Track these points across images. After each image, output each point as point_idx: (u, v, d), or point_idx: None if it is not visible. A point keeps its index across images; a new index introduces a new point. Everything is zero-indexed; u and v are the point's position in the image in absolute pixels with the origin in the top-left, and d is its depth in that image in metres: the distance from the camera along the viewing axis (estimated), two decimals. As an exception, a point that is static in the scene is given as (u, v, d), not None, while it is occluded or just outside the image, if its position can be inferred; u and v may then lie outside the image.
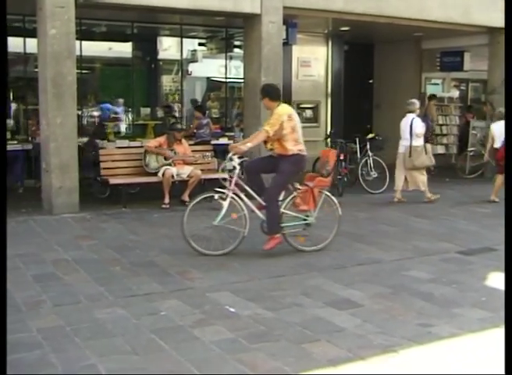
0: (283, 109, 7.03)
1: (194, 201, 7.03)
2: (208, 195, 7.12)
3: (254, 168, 7.25)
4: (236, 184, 6.99)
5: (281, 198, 7.06)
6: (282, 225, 7.12)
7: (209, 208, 7.26)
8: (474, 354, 4.45)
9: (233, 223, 6.95)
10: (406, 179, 10.76)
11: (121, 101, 13.83)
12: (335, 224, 7.47)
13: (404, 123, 10.65)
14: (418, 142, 10.56)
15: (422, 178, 10.71)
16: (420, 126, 10.53)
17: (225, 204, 6.89)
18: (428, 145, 10.89)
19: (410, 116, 10.58)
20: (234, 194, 6.95)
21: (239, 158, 7.01)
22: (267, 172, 7.25)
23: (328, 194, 7.38)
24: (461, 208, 10.36)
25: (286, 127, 6.92)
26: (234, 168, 6.97)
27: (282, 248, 7.44)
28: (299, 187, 7.20)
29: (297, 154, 7.03)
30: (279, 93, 7.27)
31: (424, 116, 14.81)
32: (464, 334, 4.79)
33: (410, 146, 10.47)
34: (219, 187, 7.11)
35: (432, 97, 15.43)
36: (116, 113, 13.95)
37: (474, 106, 17.16)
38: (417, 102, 10.92)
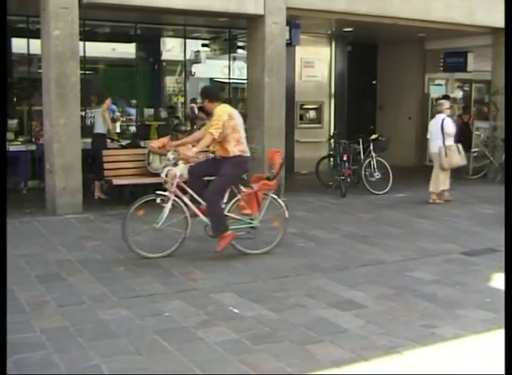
0: (223, 109, 6.91)
1: (136, 205, 6.79)
2: (149, 198, 6.91)
3: (196, 171, 7.08)
4: (178, 187, 6.88)
5: (224, 200, 6.92)
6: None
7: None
8: (478, 355, 4.44)
9: (175, 225, 6.88)
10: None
11: (134, 102, 13.90)
12: (281, 227, 7.29)
13: (433, 124, 10.77)
14: (451, 141, 10.64)
15: (444, 179, 10.75)
16: (451, 126, 10.63)
17: (167, 206, 6.77)
18: (460, 145, 10.92)
19: (440, 117, 10.69)
20: (176, 196, 6.83)
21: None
22: (210, 175, 7.06)
23: (275, 196, 7.20)
24: (464, 208, 10.35)
25: (227, 127, 6.79)
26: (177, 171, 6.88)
27: (285, 249, 7.45)
28: (243, 189, 7.04)
29: (239, 155, 6.90)
30: (217, 93, 7.23)
31: None
32: (468, 335, 4.79)
33: (444, 146, 10.53)
34: (161, 190, 6.97)
35: (445, 97, 15.47)
36: (129, 115, 14.02)
37: (477, 107, 17.18)
38: (446, 102, 11.11)
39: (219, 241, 6.89)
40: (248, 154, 7.09)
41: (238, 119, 6.99)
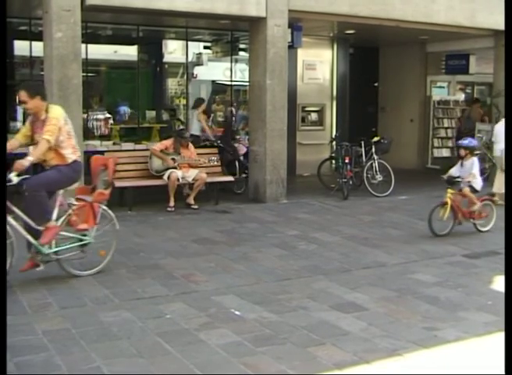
0: (58, 112, 6.12)
1: None
2: None
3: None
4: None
5: (54, 216, 6.04)
6: (55, 249, 6.06)
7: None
8: (479, 357, 4.44)
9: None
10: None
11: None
12: (113, 240, 6.59)
13: (499, 128, 10.91)
14: None
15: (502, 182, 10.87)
16: None
17: None
18: None
19: (504, 120, 10.79)
20: None
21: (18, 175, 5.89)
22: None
23: (105, 207, 6.46)
24: (467, 211, 10.33)
25: (63, 133, 6.05)
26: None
27: (287, 251, 7.46)
28: (74, 202, 6.26)
29: (76, 160, 6.22)
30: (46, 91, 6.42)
31: (468, 119, 14.91)
32: (470, 338, 4.79)
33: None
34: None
35: (476, 101, 15.55)
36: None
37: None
38: None
39: (45, 232, 5.95)
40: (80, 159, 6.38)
41: (71, 124, 6.29)
